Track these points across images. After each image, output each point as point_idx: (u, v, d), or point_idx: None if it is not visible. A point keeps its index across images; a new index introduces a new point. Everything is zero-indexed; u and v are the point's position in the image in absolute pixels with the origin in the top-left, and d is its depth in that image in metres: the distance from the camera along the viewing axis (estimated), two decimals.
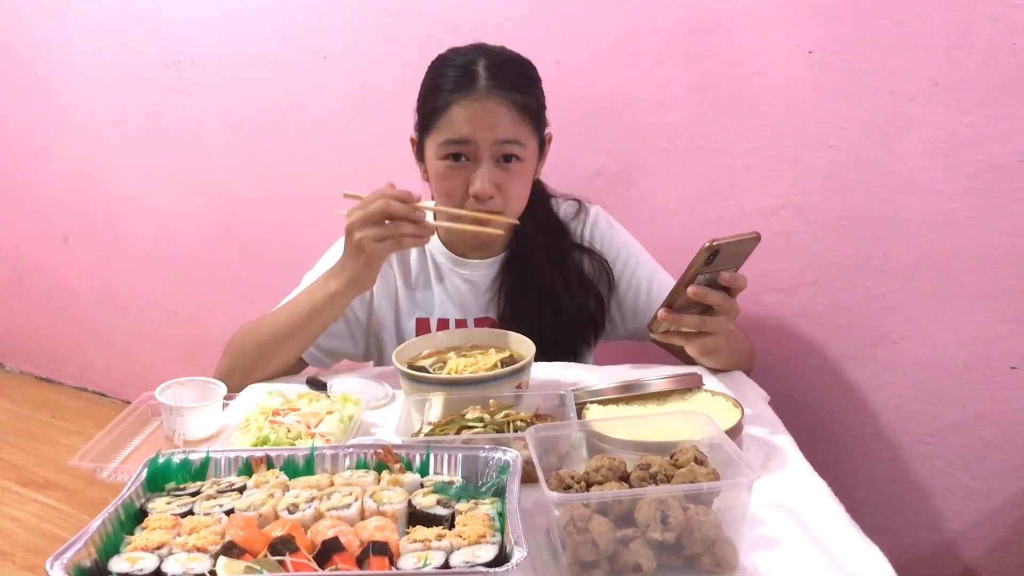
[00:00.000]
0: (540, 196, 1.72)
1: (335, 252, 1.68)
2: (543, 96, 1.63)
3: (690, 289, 1.23)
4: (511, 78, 1.56)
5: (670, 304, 1.27)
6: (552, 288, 1.66)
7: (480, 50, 1.59)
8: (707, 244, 1.18)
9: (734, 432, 1.16)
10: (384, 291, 1.70)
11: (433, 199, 1.68)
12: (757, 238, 1.23)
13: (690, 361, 1.58)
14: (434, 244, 1.71)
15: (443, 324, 1.69)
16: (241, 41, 2.56)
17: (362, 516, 0.99)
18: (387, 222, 1.42)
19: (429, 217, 1.57)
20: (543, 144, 1.66)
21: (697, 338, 1.32)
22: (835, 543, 1.01)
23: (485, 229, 1.52)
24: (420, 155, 1.65)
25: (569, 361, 1.63)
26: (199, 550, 0.91)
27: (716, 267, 1.23)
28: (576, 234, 1.72)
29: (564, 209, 1.75)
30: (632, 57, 1.89)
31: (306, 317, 1.53)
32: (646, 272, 1.70)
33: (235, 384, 1.50)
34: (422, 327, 1.69)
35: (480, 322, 1.69)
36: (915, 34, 1.59)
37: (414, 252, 1.73)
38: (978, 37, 1.53)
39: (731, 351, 1.50)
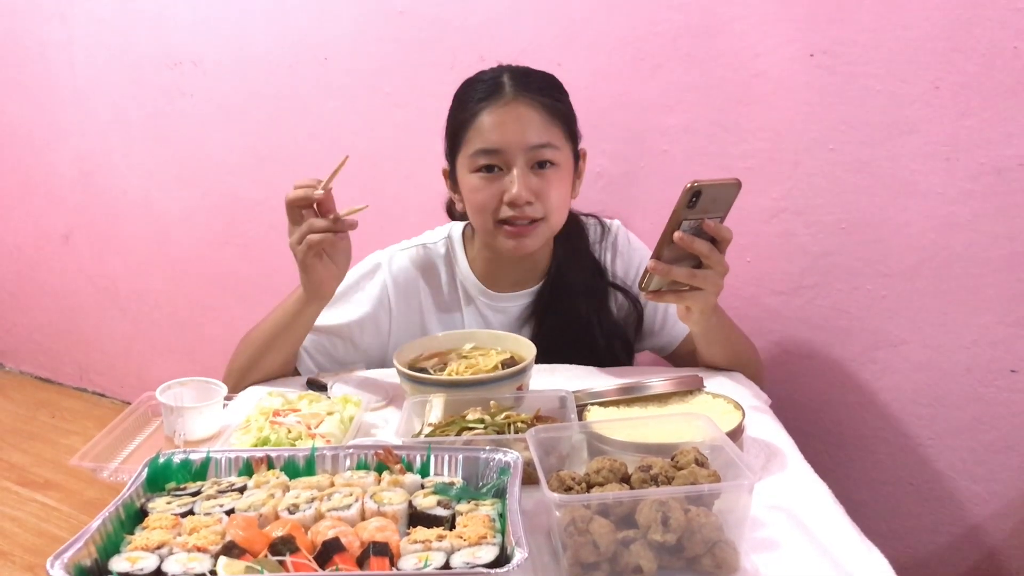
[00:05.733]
0: (578, 229, 1.69)
1: (359, 275, 1.68)
2: (572, 107, 1.61)
3: (675, 234, 1.24)
4: (537, 84, 1.56)
5: (657, 255, 1.28)
6: (588, 325, 1.65)
7: (506, 67, 1.59)
8: (689, 185, 1.20)
9: (735, 434, 1.16)
10: (406, 323, 1.67)
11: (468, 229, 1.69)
12: (738, 184, 1.25)
13: (691, 363, 1.59)
14: (465, 275, 1.68)
15: None
16: (242, 42, 2.56)
17: (363, 517, 0.99)
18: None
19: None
20: (578, 158, 1.62)
21: (688, 294, 1.32)
22: (836, 545, 1.01)
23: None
24: (454, 181, 1.62)
25: None
26: (199, 550, 0.91)
27: (699, 212, 1.24)
28: (598, 254, 1.70)
29: (590, 233, 1.71)
30: (633, 59, 1.89)
31: (283, 327, 1.54)
32: (669, 311, 1.68)
33: (231, 386, 1.51)
34: None
35: None
36: (916, 37, 1.59)
37: (444, 282, 1.69)
38: (979, 41, 1.54)
39: (724, 328, 1.52)
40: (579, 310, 1.64)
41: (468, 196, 1.56)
